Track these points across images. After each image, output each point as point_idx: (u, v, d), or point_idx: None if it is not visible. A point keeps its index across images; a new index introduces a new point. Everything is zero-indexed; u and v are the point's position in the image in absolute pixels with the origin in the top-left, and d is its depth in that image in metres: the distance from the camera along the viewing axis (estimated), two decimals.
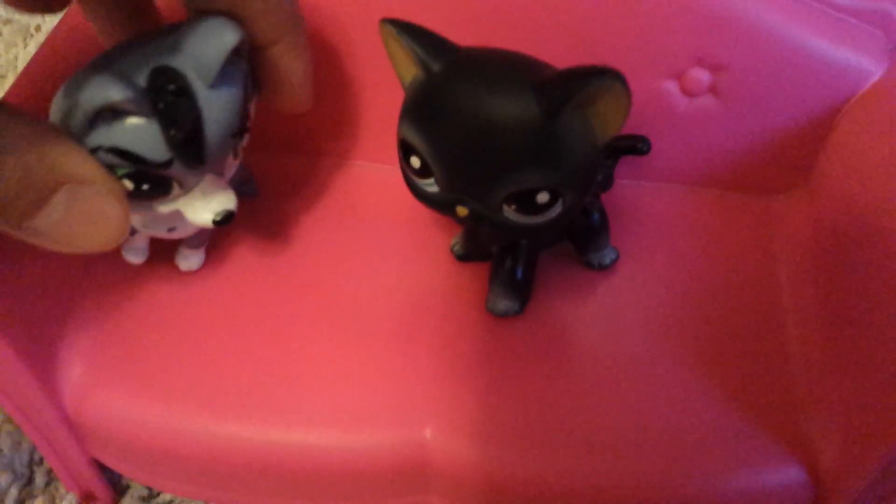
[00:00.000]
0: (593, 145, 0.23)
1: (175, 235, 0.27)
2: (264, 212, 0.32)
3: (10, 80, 0.46)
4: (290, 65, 0.24)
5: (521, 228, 0.24)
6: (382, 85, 0.30)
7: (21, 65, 0.47)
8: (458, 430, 0.26)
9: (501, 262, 0.28)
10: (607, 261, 0.29)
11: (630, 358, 0.27)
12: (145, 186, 0.22)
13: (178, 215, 0.25)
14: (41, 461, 0.32)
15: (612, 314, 0.29)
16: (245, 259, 0.30)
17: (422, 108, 0.23)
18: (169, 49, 0.21)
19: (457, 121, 0.22)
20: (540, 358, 0.27)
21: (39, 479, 0.32)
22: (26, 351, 0.25)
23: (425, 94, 0.23)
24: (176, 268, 0.30)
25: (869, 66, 0.28)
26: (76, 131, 0.21)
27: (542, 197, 0.23)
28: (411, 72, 0.24)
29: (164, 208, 0.24)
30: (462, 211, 0.24)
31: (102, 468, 0.30)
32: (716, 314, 0.29)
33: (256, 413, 0.26)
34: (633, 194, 0.32)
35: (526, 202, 0.23)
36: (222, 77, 0.22)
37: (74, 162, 0.20)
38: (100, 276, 0.29)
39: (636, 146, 0.28)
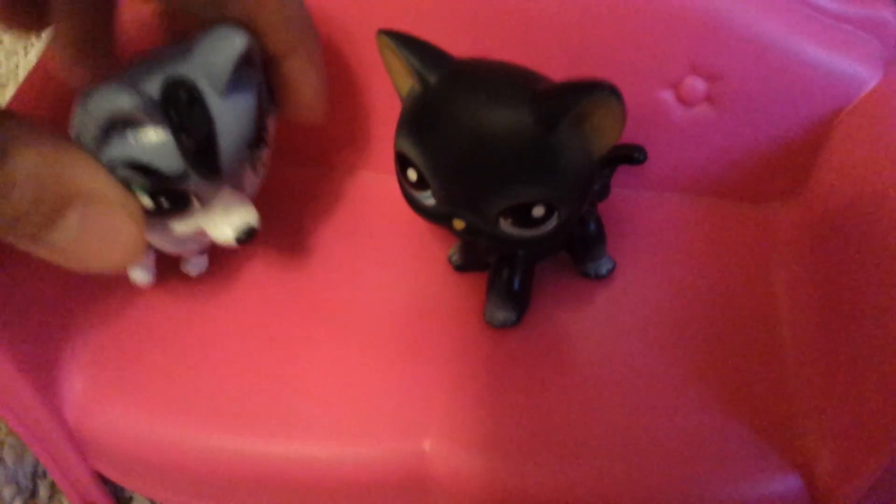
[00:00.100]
0: (589, 158, 0.23)
1: (189, 252, 0.27)
2: (264, 223, 0.32)
3: (10, 89, 0.46)
4: (305, 77, 0.24)
5: (517, 241, 0.24)
6: (383, 95, 0.31)
7: (22, 74, 0.47)
8: (458, 441, 0.26)
9: (499, 273, 0.28)
10: (604, 270, 0.30)
11: (627, 367, 0.27)
12: (163, 202, 0.22)
13: (197, 235, 0.24)
14: (45, 474, 0.32)
15: (609, 323, 0.29)
16: (244, 271, 0.31)
17: (418, 120, 0.23)
18: (181, 60, 0.22)
19: (453, 133, 0.22)
20: (538, 368, 0.27)
21: (43, 492, 0.32)
22: (27, 365, 0.25)
23: (422, 106, 0.23)
24: (177, 280, 0.30)
25: (864, 74, 0.28)
26: (91, 145, 0.21)
27: (538, 210, 0.23)
28: (408, 83, 0.24)
29: (184, 227, 0.24)
30: (459, 224, 0.24)
31: (105, 480, 0.30)
32: (712, 322, 0.29)
33: (257, 425, 0.26)
34: (629, 203, 0.32)
35: (522, 216, 0.23)
36: (235, 86, 0.22)
37: (88, 178, 0.20)
38: (101, 289, 0.29)
39: (633, 155, 0.28)
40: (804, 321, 0.28)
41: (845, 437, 0.24)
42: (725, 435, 0.25)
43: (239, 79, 0.22)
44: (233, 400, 0.27)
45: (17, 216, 0.18)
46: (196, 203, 0.23)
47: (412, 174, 0.24)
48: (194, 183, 0.22)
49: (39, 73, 0.27)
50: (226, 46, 0.21)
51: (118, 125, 0.21)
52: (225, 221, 0.24)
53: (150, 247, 0.28)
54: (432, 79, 0.23)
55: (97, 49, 0.24)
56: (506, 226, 0.23)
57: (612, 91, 0.21)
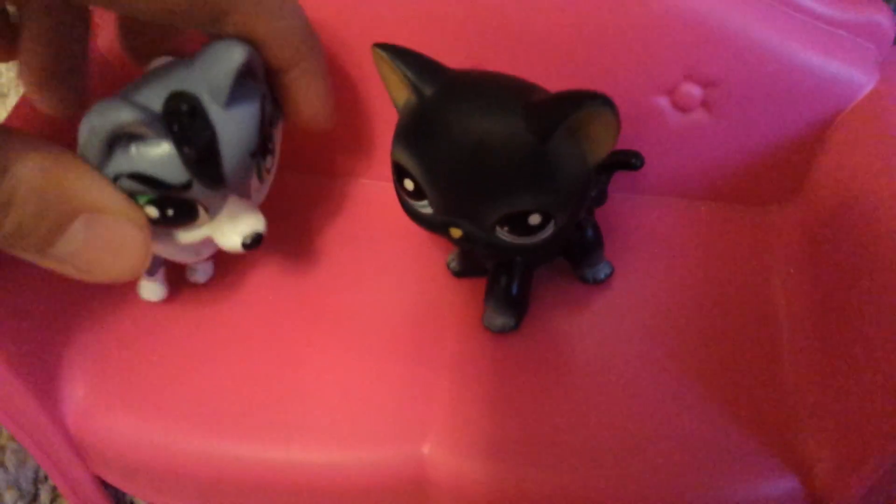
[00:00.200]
0: (584, 167, 0.23)
1: (197, 260, 0.28)
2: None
3: (12, 98, 0.45)
4: (311, 87, 0.24)
5: (514, 249, 0.24)
6: (382, 104, 0.31)
7: None
8: (457, 446, 0.26)
9: (497, 279, 0.28)
10: (602, 275, 0.30)
11: (626, 370, 0.28)
12: (170, 212, 0.22)
13: (204, 243, 0.25)
14: (46, 478, 0.32)
15: (607, 328, 0.29)
16: (245, 277, 0.31)
17: (414, 131, 0.23)
18: (183, 74, 0.22)
19: (449, 144, 0.22)
20: (537, 372, 0.28)
21: (45, 497, 0.32)
22: (28, 371, 0.25)
23: (418, 117, 0.23)
24: (177, 287, 0.30)
25: (860, 79, 0.28)
26: (96, 160, 0.21)
27: (535, 219, 0.23)
28: (404, 95, 0.24)
29: (191, 236, 0.24)
30: (456, 232, 0.24)
31: (106, 485, 0.30)
32: (710, 326, 0.29)
33: (257, 429, 0.26)
34: (626, 208, 0.32)
35: (518, 224, 0.23)
36: (236, 97, 0.22)
37: (92, 190, 0.20)
38: (101, 296, 0.29)
39: (629, 161, 0.28)
40: (802, 324, 0.28)
41: (844, 438, 0.24)
42: (724, 436, 0.26)
43: (241, 90, 0.22)
44: (233, 405, 0.27)
45: (21, 230, 0.18)
46: (203, 212, 0.23)
47: (409, 184, 0.24)
48: (199, 192, 0.22)
49: None
50: (226, 59, 0.21)
51: (122, 139, 0.21)
52: (232, 229, 0.24)
53: (160, 262, 0.28)
54: (428, 90, 0.23)
55: (68, 77, 0.24)
56: (502, 234, 0.24)
57: (605, 102, 0.21)
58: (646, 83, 0.29)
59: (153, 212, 0.22)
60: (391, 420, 0.26)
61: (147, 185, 0.21)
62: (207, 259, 0.30)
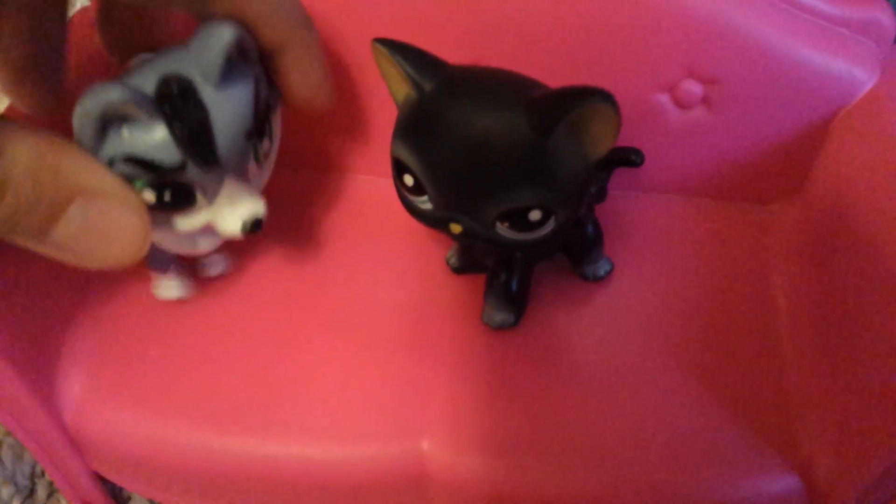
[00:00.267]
0: (585, 163, 0.23)
1: (202, 251, 0.28)
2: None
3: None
4: (305, 69, 0.24)
5: (514, 245, 0.24)
6: (381, 100, 0.30)
7: None
8: (456, 441, 0.26)
9: (496, 275, 0.28)
10: (602, 272, 0.30)
11: (625, 368, 0.28)
12: (167, 197, 0.22)
13: (205, 231, 0.25)
14: (43, 473, 0.32)
15: (607, 325, 0.29)
16: (243, 273, 0.31)
17: (414, 126, 0.23)
18: (176, 58, 0.22)
19: (449, 140, 0.22)
20: (536, 369, 0.28)
21: (41, 492, 0.32)
22: (25, 367, 0.25)
23: (417, 112, 0.23)
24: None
25: (860, 76, 0.28)
26: (90, 143, 0.21)
27: (535, 215, 0.23)
28: (404, 90, 0.24)
29: (191, 222, 0.24)
30: (456, 228, 0.24)
31: (104, 480, 0.30)
32: (710, 323, 0.29)
33: (255, 425, 0.26)
34: (626, 205, 0.32)
35: (518, 220, 0.23)
36: (229, 78, 0.22)
37: (87, 173, 0.20)
38: (99, 291, 0.29)
39: (629, 158, 0.28)
40: (802, 322, 0.28)
41: (844, 437, 0.24)
42: (724, 435, 0.26)
43: (233, 71, 0.22)
44: (231, 400, 0.27)
45: (17, 214, 0.18)
46: (201, 197, 0.23)
47: (409, 180, 0.24)
48: (194, 174, 0.22)
49: None
50: (216, 39, 0.22)
51: (114, 122, 0.21)
52: (231, 213, 0.24)
53: (171, 258, 0.28)
54: (428, 86, 0.23)
55: (45, 76, 0.24)
56: (502, 230, 0.24)
57: (606, 98, 0.21)
58: (646, 80, 0.29)
59: (150, 196, 0.22)
60: (390, 416, 0.26)
61: (141, 167, 0.21)
62: (219, 251, 0.29)
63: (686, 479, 0.25)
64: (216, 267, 0.30)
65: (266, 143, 0.25)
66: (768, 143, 0.30)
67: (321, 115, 0.26)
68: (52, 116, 0.22)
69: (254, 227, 0.24)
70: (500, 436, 0.26)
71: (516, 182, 0.22)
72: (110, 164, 0.21)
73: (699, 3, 0.27)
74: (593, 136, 0.22)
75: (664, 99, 0.29)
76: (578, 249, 0.29)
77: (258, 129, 0.24)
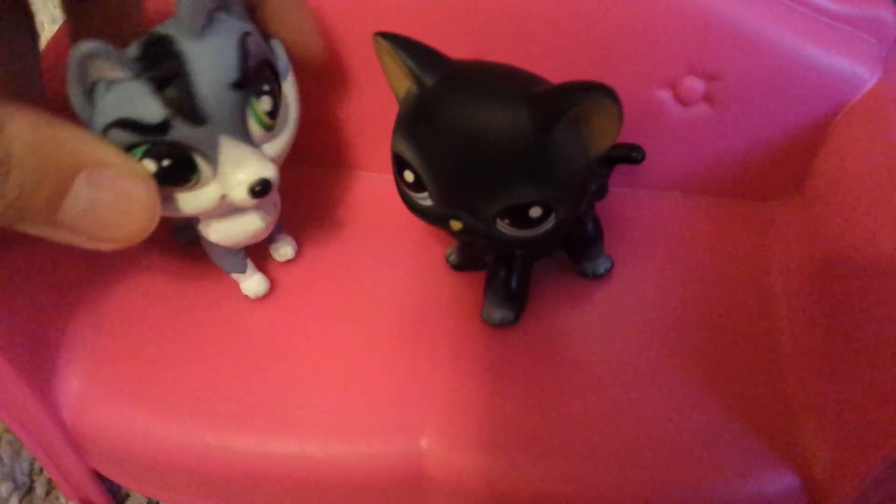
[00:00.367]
0: (586, 159, 0.23)
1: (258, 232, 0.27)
2: None
3: None
4: (289, 16, 0.24)
5: (515, 241, 0.24)
6: (381, 96, 0.30)
7: None
8: (455, 440, 0.26)
9: (496, 273, 0.28)
10: (602, 270, 0.30)
11: (625, 366, 0.27)
12: (165, 163, 0.22)
13: (223, 206, 0.24)
14: (41, 470, 0.32)
15: (607, 323, 0.29)
16: None
17: (415, 122, 0.23)
18: (162, 26, 0.22)
19: (450, 135, 0.22)
20: (535, 367, 0.28)
21: (40, 489, 0.32)
22: (24, 364, 0.25)
23: (419, 108, 0.23)
24: (173, 280, 0.30)
25: (863, 74, 0.28)
26: (83, 114, 0.21)
27: (535, 211, 0.23)
28: (405, 85, 0.24)
29: (203, 199, 0.23)
30: (456, 224, 0.24)
31: (102, 478, 0.30)
32: (710, 321, 0.29)
33: (254, 423, 0.26)
34: (627, 202, 0.32)
35: (519, 216, 0.23)
36: (211, 31, 0.22)
37: (88, 144, 0.20)
38: (98, 287, 0.29)
39: (630, 155, 0.28)
40: (802, 320, 0.28)
41: (843, 436, 0.24)
42: (723, 434, 0.26)
43: (216, 25, 0.22)
44: (229, 398, 0.27)
45: (24, 192, 0.18)
46: (203, 163, 0.23)
47: (409, 176, 0.24)
48: (184, 132, 0.22)
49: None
50: None
51: (99, 88, 0.21)
52: (235, 176, 0.23)
53: (235, 253, 0.28)
54: (429, 81, 0.23)
55: (21, 96, 0.24)
56: (503, 226, 0.23)
57: (608, 93, 0.21)
58: (648, 76, 0.29)
59: (150, 165, 0.22)
60: (389, 414, 0.26)
61: (130, 129, 0.21)
62: (279, 229, 0.30)
63: (685, 478, 0.25)
64: (285, 249, 0.30)
65: (266, 101, 0.24)
66: (769, 141, 0.30)
67: (318, 67, 0.26)
68: None
69: (263, 189, 0.23)
70: (499, 433, 0.26)
71: (517, 178, 0.22)
72: (104, 134, 0.21)
73: (702, 0, 0.27)
74: (595, 132, 0.22)
75: (665, 95, 0.29)
76: (578, 247, 0.29)
77: (247, 82, 0.23)
